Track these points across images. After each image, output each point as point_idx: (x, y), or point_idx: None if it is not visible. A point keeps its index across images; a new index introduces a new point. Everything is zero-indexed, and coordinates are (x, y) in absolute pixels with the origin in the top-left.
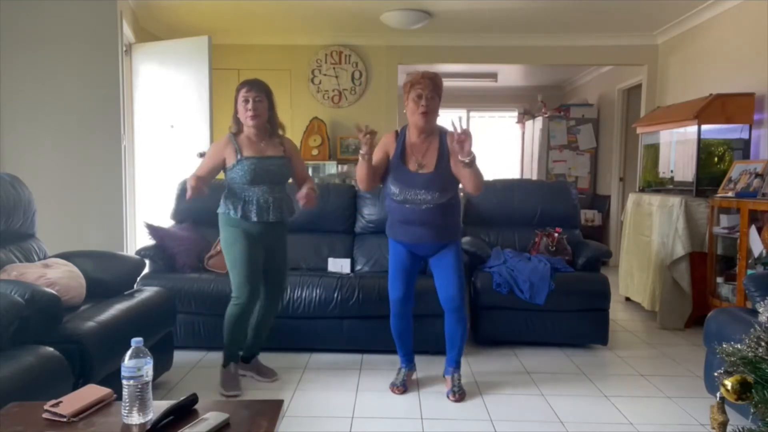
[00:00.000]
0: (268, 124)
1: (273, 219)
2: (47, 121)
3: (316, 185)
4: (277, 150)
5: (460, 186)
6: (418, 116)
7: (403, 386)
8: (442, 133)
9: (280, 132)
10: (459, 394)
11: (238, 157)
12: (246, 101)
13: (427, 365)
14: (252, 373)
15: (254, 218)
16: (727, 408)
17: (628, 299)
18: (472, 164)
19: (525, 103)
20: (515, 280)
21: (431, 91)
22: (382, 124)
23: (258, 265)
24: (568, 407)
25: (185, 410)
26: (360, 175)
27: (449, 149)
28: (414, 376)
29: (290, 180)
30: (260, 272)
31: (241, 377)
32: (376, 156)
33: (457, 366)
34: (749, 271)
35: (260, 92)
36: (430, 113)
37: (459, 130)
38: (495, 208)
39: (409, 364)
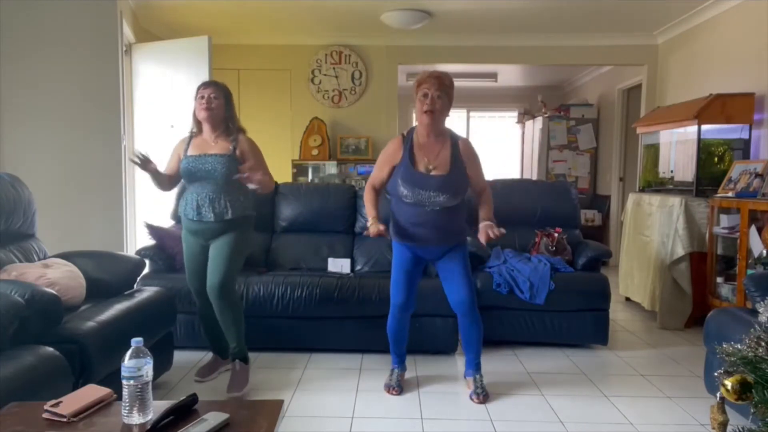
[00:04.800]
0: (225, 124)
1: (208, 218)
2: (47, 121)
3: (267, 177)
4: (223, 149)
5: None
6: (422, 115)
7: (399, 387)
8: (454, 138)
9: (241, 134)
10: (483, 396)
11: (183, 155)
12: (202, 97)
13: (427, 365)
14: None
15: (191, 216)
16: (727, 408)
17: (628, 299)
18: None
19: (525, 103)
20: (515, 280)
21: (437, 90)
22: (383, 124)
23: (197, 265)
24: (568, 407)
25: (185, 410)
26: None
27: (464, 162)
28: (406, 376)
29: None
30: (203, 272)
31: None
32: (382, 173)
33: (476, 368)
34: (749, 271)
35: (217, 90)
36: (435, 112)
37: (492, 235)
38: (495, 208)
39: (401, 365)
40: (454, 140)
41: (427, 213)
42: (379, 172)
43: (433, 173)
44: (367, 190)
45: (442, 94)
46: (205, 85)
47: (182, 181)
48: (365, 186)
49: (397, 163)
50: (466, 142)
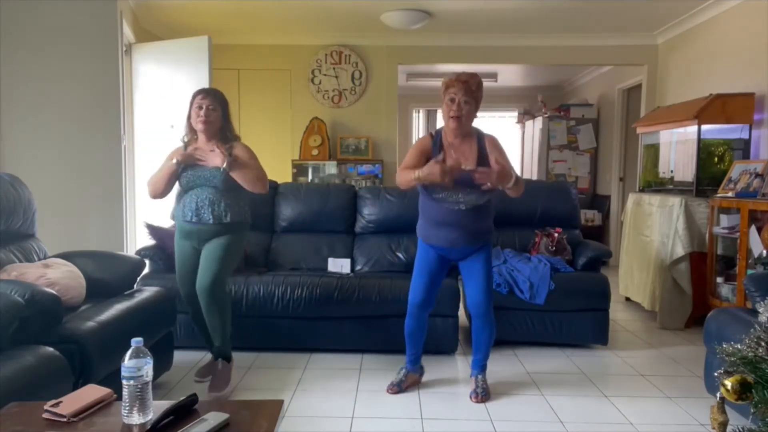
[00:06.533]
0: (221, 133)
1: (207, 220)
2: (47, 121)
3: (258, 175)
4: (220, 161)
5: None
6: (449, 120)
7: (397, 386)
8: (480, 136)
9: (235, 141)
10: (482, 396)
11: (181, 166)
12: (200, 108)
13: (427, 365)
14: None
15: (189, 217)
16: (727, 408)
17: (628, 299)
18: (516, 184)
19: (525, 103)
20: (515, 280)
21: (464, 95)
22: (383, 124)
23: (189, 269)
24: (568, 407)
25: (185, 410)
26: (404, 183)
27: (488, 154)
28: (423, 379)
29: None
30: (195, 276)
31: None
32: (417, 161)
33: (482, 369)
34: (749, 271)
35: (214, 101)
36: (461, 118)
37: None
38: (495, 207)
39: (414, 366)
40: (480, 137)
41: (454, 212)
42: (413, 160)
43: (462, 169)
44: (399, 171)
45: (469, 98)
46: (202, 95)
47: (177, 184)
48: (398, 172)
49: (429, 155)
50: (492, 137)
